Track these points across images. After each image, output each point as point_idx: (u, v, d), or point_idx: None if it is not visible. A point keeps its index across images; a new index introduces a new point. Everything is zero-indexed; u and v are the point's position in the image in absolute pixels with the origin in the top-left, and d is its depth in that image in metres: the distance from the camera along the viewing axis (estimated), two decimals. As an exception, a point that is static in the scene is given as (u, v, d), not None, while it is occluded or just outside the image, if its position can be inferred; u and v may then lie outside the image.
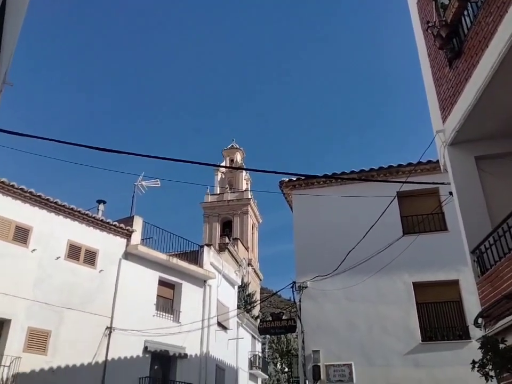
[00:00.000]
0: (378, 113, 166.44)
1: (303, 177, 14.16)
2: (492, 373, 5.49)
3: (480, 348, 5.58)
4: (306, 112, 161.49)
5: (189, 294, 20.26)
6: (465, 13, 6.69)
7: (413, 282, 12.43)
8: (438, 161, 8.41)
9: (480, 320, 6.59)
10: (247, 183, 61.00)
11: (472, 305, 8.84)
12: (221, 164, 57.05)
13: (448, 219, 12.44)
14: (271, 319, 14.27)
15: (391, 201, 11.27)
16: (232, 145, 63.34)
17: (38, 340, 14.87)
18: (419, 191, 12.77)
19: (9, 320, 14.32)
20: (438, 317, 12.21)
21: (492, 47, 5.74)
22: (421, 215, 12.94)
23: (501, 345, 5.38)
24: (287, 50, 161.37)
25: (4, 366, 13.63)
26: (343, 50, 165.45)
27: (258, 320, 29.77)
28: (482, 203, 6.91)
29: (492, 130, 7.03)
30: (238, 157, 62.09)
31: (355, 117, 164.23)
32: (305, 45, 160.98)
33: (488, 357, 5.40)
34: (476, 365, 5.53)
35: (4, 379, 13.46)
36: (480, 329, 6.70)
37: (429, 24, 7.41)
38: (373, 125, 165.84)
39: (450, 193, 7.67)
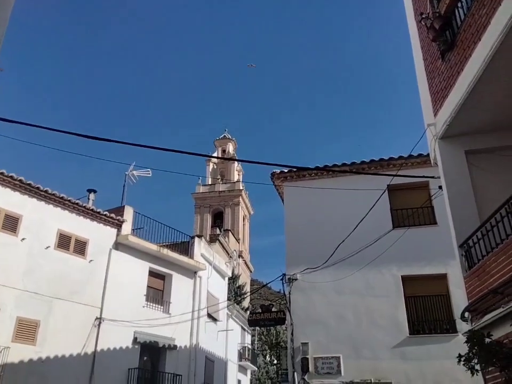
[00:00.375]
0: (373, 110, 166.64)
1: (294, 169, 14.11)
2: (477, 367, 5.51)
3: (466, 341, 5.59)
4: (301, 105, 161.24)
5: (179, 285, 20.22)
6: (459, 4, 6.64)
7: (401, 276, 12.47)
8: (428, 154, 8.40)
9: (467, 314, 6.61)
10: (239, 174, 60.89)
11: (459, 299, 8.86)
12: (213, 154, 56.85)
13: (438, 213, 12.45)
14: (260, 311, 14.27)
15: (381, 194, 11.25)
16: (225, 135, 63.11)
17: (27, 330, 14.75)
18: (409, 184, 12.77)
19: (-2, 310, 14.20)
20: (426, 310, 12.27)
21: (484, 40, 5.70)
22: (410, 209, 12.97)
23: (487, 339, 5.39)
24: (283, 42, 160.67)
25: (-8, 356, 13.56)
26: (338, 44, 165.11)
27: (248, 312, 29.83)
28: (471, 197, 6.91)
29: (483, 125, 7.01)
30: (230, 148, 61.89)
31: (351, 111, 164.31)
32: (300, 37, 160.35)
33: (474, 350, 5.42)
34: (462, 359, 5.55)
35: (-8, 369, 13.40)
36: (467, 323, 6.72)
37: (423, 16, 7.35)
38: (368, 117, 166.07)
39: (440, 187, 7.66)
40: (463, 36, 6.41)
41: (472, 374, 5.53)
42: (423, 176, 10.17)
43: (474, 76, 5.97)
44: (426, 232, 12.53)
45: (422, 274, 12.35)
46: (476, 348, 5.38)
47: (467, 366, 5.51)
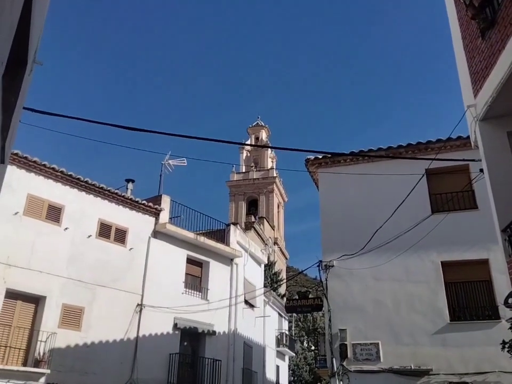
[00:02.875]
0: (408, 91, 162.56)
1: (329, 155, 13.98)
2: (522, 354, 5.41)
3: (510, 328, 5.48)
4: (334, 90, 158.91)
5: (217, 272, 20.53)
6: (500, -20, 6.37)
7: (441, 262, 12.24)
8: (468, 137, 8.16)
9: (510, 300, 6.44)
10: (272, 161, 60.82)
11: (502, 285, 8.65)
12: (246, 142, 56.93)
13: (479, 197, 12.12)
14: (297, 298, 14.35)
15: (420, 179, 11.03)
16: (257, 123, 63.05)
17: (72, 316, 15.33)
18: (449, 168, 12.46)
19: (45, 297, 14.78)
20: (467, 296, 12.03)
21: (527, 16, 5.47)
22: (450, 193, 12.65)
23: (532, 326, 5.27)
24: (316, 23, 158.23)
25: (41, 341, 14.15)
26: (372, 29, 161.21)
27: (285, 298, 30.00)
28: (514, 180, 6.68)
29: (526, 105, 6.74)
30: (263, 135, 61.81)
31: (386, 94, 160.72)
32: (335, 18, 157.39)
33: (518, 337, 5.31)
34: (506, 346, 5.45)
35: (41, 353, 14.01)
36: (510, 310, 6.55)
37: (461, -7, 7.09)
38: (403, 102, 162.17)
39: (481, 170, 7.44)
40: (504, 12, 6.16)
41: (517, 361, 5.43)
42: (463, 160, 9.89)
43: (517, 54, 5.74)
44: (467, 216, 12.23)
45: (463, 260, 12.08)
46: (520, 334, 5.26)
47: (511, 353, 5.41)
